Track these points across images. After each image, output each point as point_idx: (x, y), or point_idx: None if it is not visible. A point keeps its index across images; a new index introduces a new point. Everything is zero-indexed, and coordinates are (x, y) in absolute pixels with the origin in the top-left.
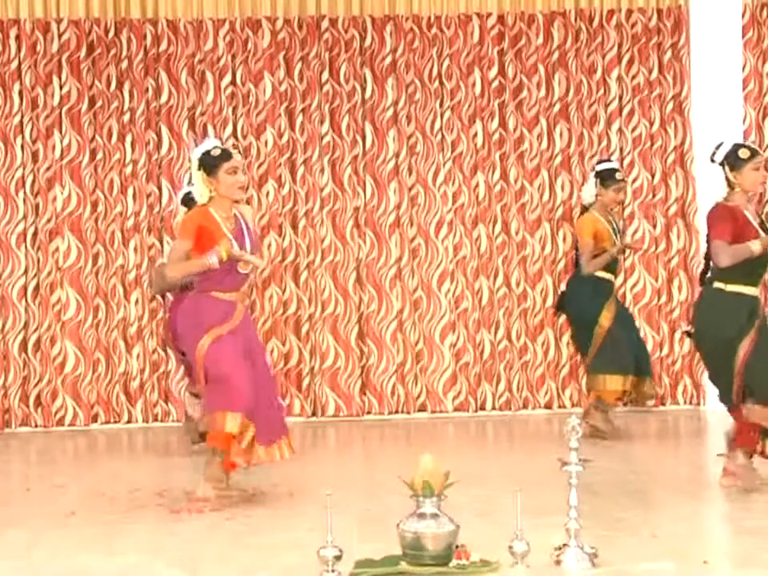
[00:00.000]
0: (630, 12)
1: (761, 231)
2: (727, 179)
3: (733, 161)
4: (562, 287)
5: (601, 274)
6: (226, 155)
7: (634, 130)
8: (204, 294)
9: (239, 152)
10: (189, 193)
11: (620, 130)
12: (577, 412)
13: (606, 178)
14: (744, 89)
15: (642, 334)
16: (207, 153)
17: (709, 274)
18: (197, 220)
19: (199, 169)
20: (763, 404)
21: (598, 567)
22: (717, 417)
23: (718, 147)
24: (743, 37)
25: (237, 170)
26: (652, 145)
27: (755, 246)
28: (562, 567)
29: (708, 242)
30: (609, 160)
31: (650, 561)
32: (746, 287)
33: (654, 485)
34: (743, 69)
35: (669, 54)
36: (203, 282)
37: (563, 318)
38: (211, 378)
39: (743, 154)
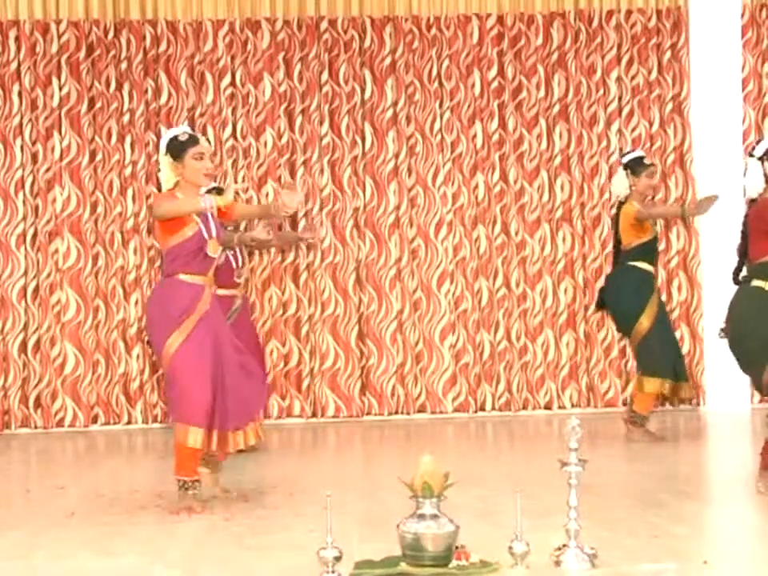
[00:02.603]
0: (629, 13)
1: None
2: (765, 175)
3: None
4: (599, 284)
5: (642, 265)
6: (192, 140)
7: (633, 130)
8: (172, 279)
9: (207, 139)
10: (216, 189)
11: (619, 131)
12: (576, 412)
13: (635, 166)
14: (743, 89)
15: None
16: (174, 138)
17: (744, 273)
18: (167, 197)
19: (166, 154)
20: None
21: (598, 568)
22: (716, 417)
23: (758, 142)
24: (742, 37)
25: (203, 155)
26: (651, 145)
27: None
28: (561, 568)
29: (745, 238)
30: (632, 150)
31: (650, 561)
32: None
33: (653, 485)
34: (742, 69)
35: (668, 54)
36: (171, 264)
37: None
38: (175, 384)
39: None
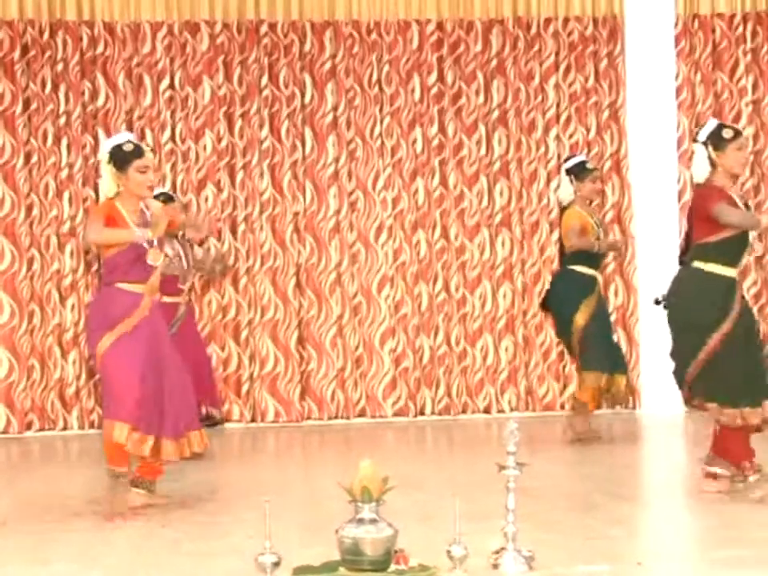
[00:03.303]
0: (566, 20)
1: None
2: (710, 158)
3: (716, 140)
4: (538, 288)
5: (582, 269)
6: (137, 152)
7: (571, 136)
8: (110, 287)
9: (152, 149)
10: (164, 195)
11: (557, 137)
12: (515, 416)
13: (579, 171)
14: (677, 97)
15: None
16: (119, 147)
17: (690, 254)
18: (105, 210)
19: (109, 162)
20: (720, 403)
21: (535, 570)
22: (651, 420)
23: (701, 127)
24: (676, 46)
25: (148, 168)
26: (589, 152)
27: (765, 219)
28: (499, 571)
29: (689, 220)
30: (573, 156)
31: (586, 563)
32: (725, 268)
33: (590, 488)
34: (676, 78)
35: (605, 62)
36: (111, 274)
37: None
38: (104, 382)
39: (727, 133)
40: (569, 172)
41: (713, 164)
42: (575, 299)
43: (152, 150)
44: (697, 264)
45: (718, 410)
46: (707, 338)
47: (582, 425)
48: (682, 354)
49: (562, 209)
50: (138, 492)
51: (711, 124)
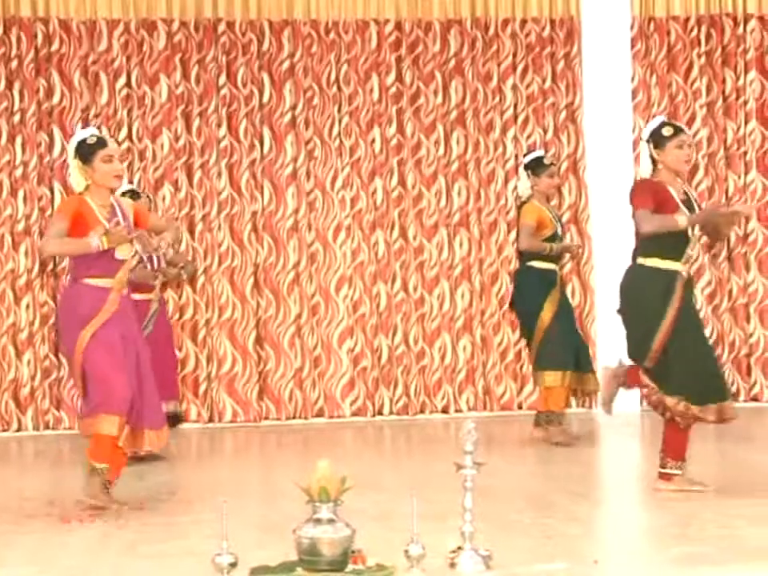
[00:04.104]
0: (524, 22)
1: (684, 208)
2: (651, 157)
3: (657, 138)
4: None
5: (540, 264)
6: (101, 143)
7: (528, 137)
8: (77, 283)
9: (116, 141)
10: (131, 192)
11: (515, 138)
12: (473, 416)
13: (536, 166)
14: (633, 99)
15: None
16: (83, 141)
17: (634, 250)
18: (73, 205)
19: (75, 157)
20: (671, 395)
21: (493, 570)
22: (608, 419)
23: (647, 124)
24: (632, 48)
25: (113, 158)
26: (546, 152)
27: (681, 219)
28: (457, 570)
29: (633, 217)
30: (532, 151)
31: (543, 562)
32: (665, 261)
33: (547, 487)
34: (632, 80)
35: (562, 63)
36: (76, 269)
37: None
38: (90, 378)
39: (667, 131)
40: (526, 167)
41: (654, 161)
42: (539, 294)
43: (116, 140)
44: (639, 260)
45: (660, 397)
46: (655, 331)
47: (562, 435)
48: (634, 348)
49: (521, 204)
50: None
51: (655, 122)
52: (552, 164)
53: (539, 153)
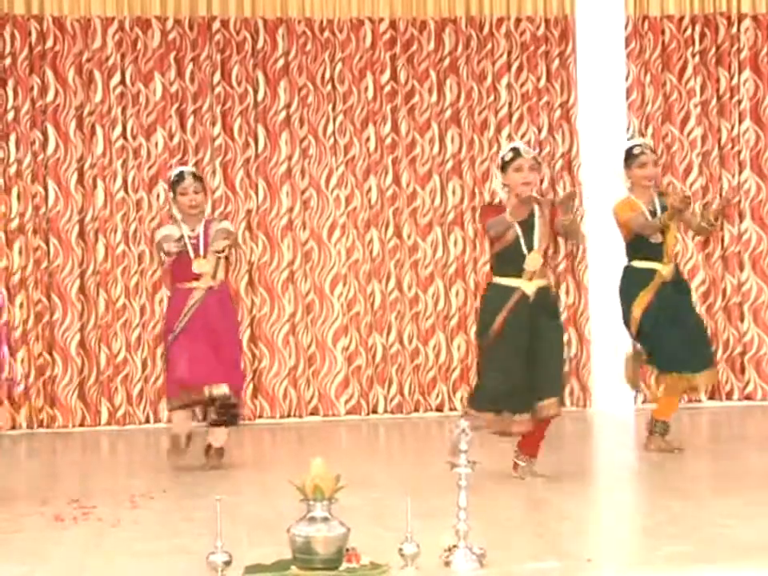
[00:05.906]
0: (518, 20)
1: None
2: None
3: (625, 158)
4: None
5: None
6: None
7: (523, 136)
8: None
9: (197, 175)
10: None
11: (510, 137)
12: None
13: (626, 158)
14: (627, 98)
15: None
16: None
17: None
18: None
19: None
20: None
21: (486, 567)
22: (602, 418)
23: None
24: (626, 47)
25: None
26: (540, 151)
27: (507, 214)
28: (451, 568)
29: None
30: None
31: (536, 560)
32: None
33: (540, 485)
34: (626, 78)
35: (556, 62)
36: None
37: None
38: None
39: (507, 156)
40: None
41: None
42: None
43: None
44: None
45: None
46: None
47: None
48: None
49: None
50: None
51: (627, 144)
52: (642, 153)
53: (633, 142)
